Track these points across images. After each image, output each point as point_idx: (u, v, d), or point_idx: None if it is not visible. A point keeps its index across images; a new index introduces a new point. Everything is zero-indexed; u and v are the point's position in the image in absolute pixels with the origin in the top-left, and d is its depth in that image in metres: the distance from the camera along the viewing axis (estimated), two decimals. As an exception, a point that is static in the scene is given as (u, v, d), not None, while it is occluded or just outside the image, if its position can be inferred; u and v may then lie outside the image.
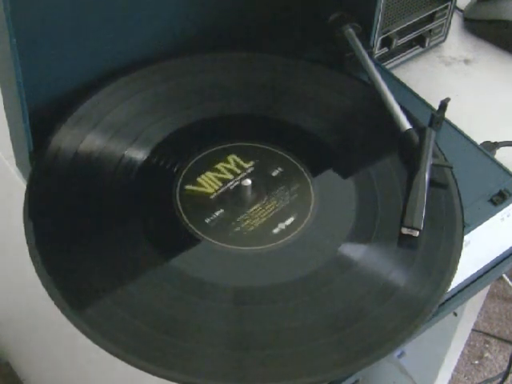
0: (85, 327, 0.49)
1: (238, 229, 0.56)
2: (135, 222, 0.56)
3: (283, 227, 0.56)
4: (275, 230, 0.56)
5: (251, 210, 0.57)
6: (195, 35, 0.67)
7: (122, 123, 0.61)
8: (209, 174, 0.59)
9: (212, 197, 0.58)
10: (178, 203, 0.57)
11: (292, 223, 0.56)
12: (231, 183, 0.59)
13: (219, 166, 0.59)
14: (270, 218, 0.57)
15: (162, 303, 0.52)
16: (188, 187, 0.58)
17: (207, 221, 0.56)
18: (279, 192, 0.58)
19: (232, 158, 0.60)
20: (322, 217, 0.57)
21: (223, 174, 0.59)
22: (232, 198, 0.58)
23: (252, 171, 0.60)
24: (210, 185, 0.58)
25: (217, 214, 0.57)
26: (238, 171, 0.59)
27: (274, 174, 0.60)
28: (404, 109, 0.63)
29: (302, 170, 0.60)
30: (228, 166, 0.60)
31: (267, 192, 0.58)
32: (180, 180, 0.58)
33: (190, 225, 0.56)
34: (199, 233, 0.55)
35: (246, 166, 0.60)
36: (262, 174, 0.59)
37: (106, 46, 0.62)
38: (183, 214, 0.56)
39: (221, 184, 0.58)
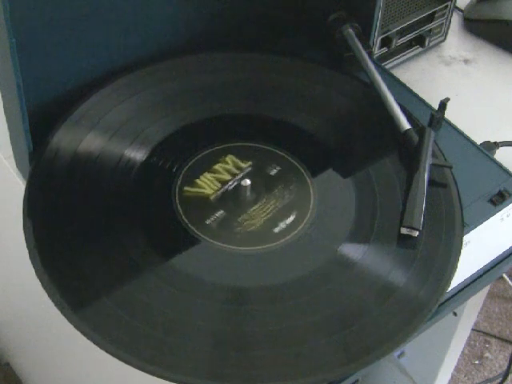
0: (84, 327, 0.49)
1: (237, 229, 0.56)
2: (135, 222, 0.56)
3: (283, 227, 0.56)
4: (275, 230, 0.56)
5: (251, 210, 0.57)
6: (195, 35, 0.67)
7: (121, 123, 0.61)
8: (207, 174, 0.59)
9: (211, 197, 0.58)
10: (178, 203, 0.57)
11: (292, 223, 0.56)
12: (230, 183, 0.59)
13: (218, 166, 0.59)
14: (270, 218, 0.57)
15: (162, 303, 0.51)
16: (187, 188, 0.58)
17: (207, 221, 0.56)
18: (278, 192, 0.58)
19: (231, 158, 0.60)
20: (321, 217, 0.57)
21: (222, 174, 0.59)
22: (231, 199, 0.58)
23: (251, 171, 0.59)
24: (209, 185, 0.58)
25: (216, 214, 0.57)
26: (237, 171, 0.59)
27: (274, 174, 0.60)
28: (404, 109, 0.63)
29: (302, 170, 0.60)
30: (227, 166, 0.60)
31: (266, 192, 0.58)
32: (179, 180, 0.58)
33: (189, 225, 0.56)
34: (199, 233, 0.55)
35: (244, 166, 0.60)
36: (261, 174, 0.59)
37: (105, 46, 0.62)
38: (183, 215, 0.56)
39: (220, 184, 0.58)
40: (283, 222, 0.57)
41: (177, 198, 0.57)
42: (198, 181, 0.58)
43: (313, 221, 0.57)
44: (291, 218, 0.57)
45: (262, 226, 0.56)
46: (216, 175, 0.59)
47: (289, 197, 0.58)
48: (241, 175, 0.59)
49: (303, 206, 0.58)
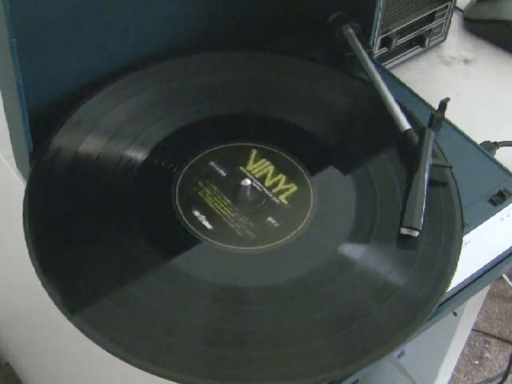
0: (84, 327, 0.49)
1: (237, 229, 0.56)
2: (135, 222, 0.56)
3: (283, 227, 0.56)
4: (275, 230, 0.56)
5: (250, 210, 0.57)
6: (195, 35, 0.67)
7: (121, 123, 0.61)
8: (208, 173, 0.59)
9: (211, 197, 0.58)
10: (178, 203, 0.57)
11: (292, 223, 0.56)
12: (230, 183, 0.58)
13: (218, 165, 0.59)
14: (270, 218, 0.57)
15: (162, 303, 0.52)
16: (189, 189, 0.57)
17: (207, 221, 0.56)
18: (278, 192, 0.58)
19: (231, 158, 0.60)
20: (321, 217, 0.57)
21: (222, 174, 0.59)
22: (231, 198, 0.58)
23: (251, 171, 0.60)
24: (210, 185, 0.58)
25: (216, 214, 0.57)
26: (237, 171, 0.59)
27: (274, 174, 0.60)
28: (404, 109, 0.63)
29: (302, 170, 0.60)
30: (227, 166, 0.60)
31: (266, 192, 0.58)
32: (179, 180, 0.58)
33: (189, 225, 0.56)
34: (199, 233, 0.55)
35: (244, 165, 0.60)
36: (261, 174, 0.59)
37: (105, 47, 0.63)
38: (183, 215, 0.56)
39: (220, 184, 0.58)
40: (283, 222, 0.57)
41: (177, 197, 0.57)
42: (198, 180, 0.58)
43: (313, 221, 0.57)
44: (291, 219, 0.57)
45: (262, 226, 0.56)
46: (216, 193, 0.58)
47: (289, 198, 0.58)
48: (241, 175, 0.59)
49: (303, 207, 0.58)
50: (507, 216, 0.61)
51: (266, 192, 0.58)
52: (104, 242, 0.54)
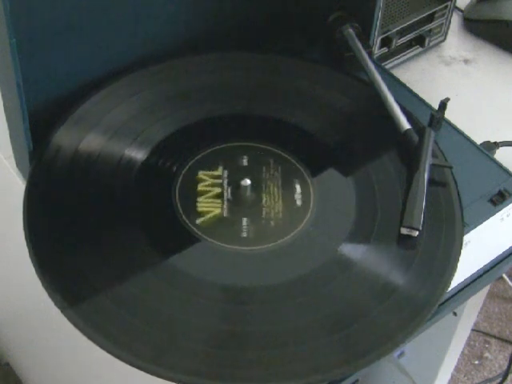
0: (84, 327, 0.49)
1: (237, 229, 0.56)
2: (135, 222, 0.56)
3: (283, 227, 0.56)
4: (275, 230, 0.56)
5: (250, 209, 0.57)
6: (195, 35, 0.67)
7: (121, 123, 0.61)
8: (208, 172, 0.59)
9: (211, 197, 0.58)
10: (178, 203, 0.57)
11: (292, 223, 0.56)
12: (226, 190, 0.58)
13: (201, 187, 0.59)
14: (269, 218, 0.57)
15: (162, 303, 0.52)
16: (200, 220, 0.57)
17: (205, 220, 0.56)
18: (278, 192, 0.58)
19: (201, 174, 0.59)
20: (321, 217, 0.57)
21: (222, 174, 0.59)
22: (231, 198, 0.58)
23: (251, 171, 0.59)
24: (212, 206, 0.58)
25: (215, 213, 0.57)
26: (218, 181, 0.59)
27: (274, 173, 0.60)
28: (404, 109, 0.63)
29: (302, 170, 0.60)
30: (206, 182, 0.59)
31: (266, 192, 0.58)
32: (179, 180, 0.58)
33: (189, 225, 0.56)
34: (199, 233, 0.55)
35: (218, 173, 0.59)
36: (261, 174, 0.59)
37: (105, 46, 0.63)
38: (183, 214, 0.56)
39: (219, 199, 0.58)
40: (283, 222, 0.57)
41: (177, 197, 0.57)
42: (200, 209, 0.57)
43: (313, 221, 0.57)
44: (291, 219, 0.57)
45: (262, 226, 0.56)
46: (208, 196, 0.58)
47: (289, 198, 0.58)
48: (241, 175, 0.59)
49: (303, 207, 0.58)
50: (507, 216, 0.61)
51: (266, 192, 0.58)
52: (104, 242, 0.54)
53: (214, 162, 0.60)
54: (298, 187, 0.59)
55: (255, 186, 0.58)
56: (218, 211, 0.57)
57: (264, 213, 0.57)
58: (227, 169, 0.59)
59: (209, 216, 0.56)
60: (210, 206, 0.57)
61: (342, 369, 0.50)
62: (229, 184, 0.58)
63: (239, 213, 0.57)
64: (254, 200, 0.58)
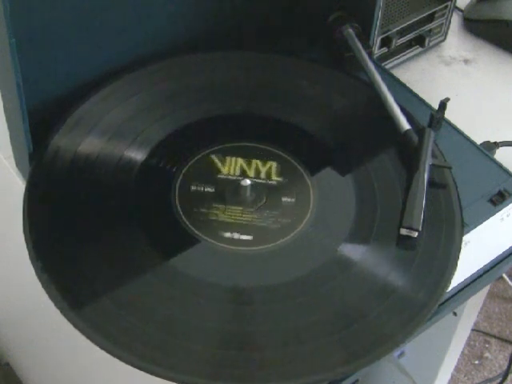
0: (84, 327, 0.49)
1: (237, 229, 0.56)
2: (135, 222, 0.56)
3: (283, 227, 0.56)
4: (275, 230, 0.56)
5: (250, 209, 0.57)
6: (195, 35, 0.67)
7: (121, 123, 0.61)
8: (208, 174, 0.59)
9: (212, 197, 0.58)
10: (178, 203, 0.57)
11: (291, 223, 0.56)
12: (230, 183, 0.58)
13: (218, 165, 0.59)
14: (270, 218, 0.57)
15: (162, 303, 0.52)
16: (189, 189, 0.57)
17: (207, 221, 0.56)
18: (278, 192, 0.58)
19: (230, 158, 0.60)
20: (321, 217, 0.57)
21: (222, 174, 0.59)
22: (231, 198, 0.58)
23: (251, 171, 0.59)
24: (209, 186, 0.58)
25: (217, 214, 0.57)
26: (237, 171, 0.59)
27: (274, 173, 0.60)
28: (404, 109, 0.63)
29: (302, 170, 0.60)
30: (227, 165, 0.60)
31: (266, 192, 0.58)
32: (179, 180, 0.58)
33: (189, 225, 0.56)
34: (199, 233, 0.55)
35: (244, 166, 0.60)
36: (260, 173, 0.59)
37: (105, 47, 0.63)
38: (182, 214, 0.56)
39: (219, 184, 0.58)
40: (283, 222, 0.57)
41: (177, 198, 0.57)
42: (200, 210, 0.57)
43: (313, 221, 0.57)
44: (291, 219, 0.57)
45: (262, 226, 0.56)
46: (208, 196, 0.58)
47: (289, 198, 0.58)
48: (241, 175, 0.59)
49: (303, 207, 0.58)
50: (507, 216, 0.61)
51: (266, 192, 0.58)
52: (104, 242, 0.54)
53: (214, 162, 0.60)
54: (297, 187, 0.59)
55: (255, 186, 0.58)
56: (218, 211, 0.57)
57: (264, 213, 0.57)
58: (227, 169, 0.59)
59: (209, 216, 0.56)
60: (210, 207, 0.57)
61: (342, 369, 0.50)
62: (229, 184, 0.58)
63: (239, 213, 0.57)
64: (254, 200, 0.58)
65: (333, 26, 0.69)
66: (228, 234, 0.55)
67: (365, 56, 0.67)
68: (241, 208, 0.57)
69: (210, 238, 0.55)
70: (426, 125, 0.64)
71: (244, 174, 0.59)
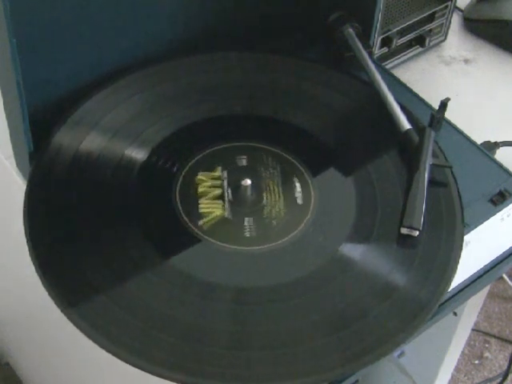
0: (85, 327, 0.49)
1: (237, 229, 0.56)
2: (135, 222, 0.56)
3: (283, 227, 0.56)
4: (275, 230, 0.56)
5: (251, 209, 0.57)
6: (195, 35, 0.67)
7: (121, 123, 0.61)
8: (208, 173, 0.59)
9: (212, 197, 0.58)
10: (178, 203, 0.57)
11: (292, 223, 0.56)
12: (226, 191, 0.58)
13: (201, 188, 0.59)
14: (270, 218, 0.57)
15: (162, 303, 0.52)
16: (203, 222, 0.56)
17: (207, 221, 0.56)
18: (279, 192, 0.58)
19: (201, 175, 0.59)
20: (322, 217, 0.57)
21: (222, 174, 0.59)
22: (232, 198, 0.58)
23: (251, 171, 0.59)
24: (213, 207, 0.58)
25: (217, 214, 0.57)
26: (217, 182, 0.59)
27: (274, 173, 0.60)
28: (404, 109, 0.63)
29: (302, 169, 0.60)
30: (206, 183, 0.59)
31: (267, 192, 0.58)
32: (180, 180, 0.58)
33: (189, 225, 0.56)
34: (199, 233, 0.55)
35: (216, 174, 0.59)
36: (261, 173, 0.59)
37: (105, 47, 0.63)
38: (183, 214, 0.56)
39: (220, 200, 0.58)
40: (283, 222, 0.57)
41: (177, 198, 0.57)
42: (201, 211, 0.57)
43: (313, 221, 0.57)
44: (291, 218, 0.57)
45: (263, 226, 0.56)
46: (209, 197, 0.58)
47: (289, 198, 0.58)
48: (224, 182, 0.58)
49: (303, 207, 0.58)
50: (507, 216, 0.61)
51: (266, 192, 0.58)
52: (104, 242, 0.54)
53: (214, 162, 0.60)
54: (298, 187, 0.59)
55: (256, 186, 0.58)
56: (218, 212, 0.57)
57: (264, 213, 0.57)
58: (227, 169, 0.59)
59: (209, 216, 0.56)
60: (210, 207, 0.57)
61: (342, 369, 0.50)
62: (229, 184, 0.58)
63: (240, 213, 0.57)
64: (254, 200, 0.58)
65: (333, 26, 0.70)
66: (228, 234, 0.55)
67: (365, 56, 0.67)
68: (241, 208, 0.57)
69: (210, 237, 0.55)
70: (426, 125, 0.64)
71: (244, 174, 0.59)
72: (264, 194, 0.58)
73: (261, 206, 0.57)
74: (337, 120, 0.64)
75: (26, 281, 0.61)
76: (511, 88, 0.76)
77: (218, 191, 0.58)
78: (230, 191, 0.58)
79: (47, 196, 0.57)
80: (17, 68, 0.52)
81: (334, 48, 0.69)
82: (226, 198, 0.57)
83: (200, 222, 0.56)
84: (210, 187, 0.58)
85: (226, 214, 0.57)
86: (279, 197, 0.58)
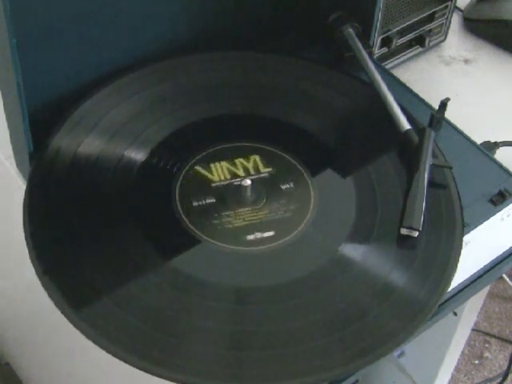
0: (84, 327, 0.49)
1: (237, 229, 0.56)
2: (135, 222, 0.56)
3: (283, 227, 0.56)
4: (275, 230, 0.56)
5: (251, 209, 0.57)
6: (195, 35, 0.67)
7: (121, 123, 0.61)
8: (208, 174, 0.59)
9: (212, 197, 0.58)
10: (178, 203, 0.57)
11: (292, 223, 0.56)
12: (230, 183, 0.58)
13: (217, 165, 0.59)
14: (270, 218, 0.57)
15: (162, 303, 0.52)
16: (197, 168, 0.57)
17: (207, 221, 0.56)
18: (279, 192, 0.58)
19: (254, 158, 0.60)
20: (321, 217, 0.57)
21: (222, 174, 0.59)
22: (232, 198, 0.58)
23: (251, 171, 0.59)
24: (210, 185, 0.58)
25: (217, 214, 0.57)
26: (237, 171, 0.59)
27: (274, 174, 0.60)
28: (404, 109, 0.63)
29: (302, 170, 0.60)
30: (246, 164, 0.59)
31: (267, 192, 0.58)
32: (180, 180, 0.58)
33: (189, 225, 0.56)
34: (199, 233, 0.55)
35: (263, 170, 0.60)
36: (261, 173, 0.59)
37: (105, 47, 0.63)
38: (183, 214, 0.56)
39: (220, 184, 0.58)
40: (283, 222, 0.57)
41: (177, 197, 0.57)
42: (198, 180, 0.58)
43: (313, 221, 0.57)
44: (291, 219, 0.57)
45: (263, 226, 0.56)
46: (232, 167, 0.58)
47: (289, 198, 0.58)
48: (242, 175, 0.59)
49: (303, 207, 0.58)
50: (507, 216, 0.61)
51: (266, 192, 0.58)
52: (104, 243, 0.54)
53: (214, 163, 0.60)
54: (298, 187, 0.59)
55: (256, 186, 0.58)
56: (228, 218, 0.57)
57: (264, 213, 0.57)
58: (227, 169, 0.59)
59: (204, 173, 0.56)
60: (219, 216, 0.57)
61: (342, 369, 0.50)
62: (229, 184, 0.58)
63: (240, 213, 0.57)
64: (254, 200, 0.58)
65: (333, 26, 0.69)
66: (228, 234, 0.55)
67: (365, 56, 0.67)
68: (241, 208, 0.57)
69: (210, 238, 0.55)
70: (426, 125, 0.64)
71: (236, 175, 0.59)
72: (263, 194, 0.58)
73: (261, 206, 0.57)
74: (337, 120, 0.64)
75: (26, 281, 0.61)
76: (511, 88, 0.76)
77: (217, 190, 0.58)
78: (229, 191, 0.58)
79: (47, 196, 0.57)
80: (17, 68, 0.52)
81: (334, 48, 0.69)
82: (226, 198, 0.57)
83: (199, 222, 0.56)
84: (209, 186, 0.58)
85: (225, 213, 0.57)
86: (279, 197, 0.58)
